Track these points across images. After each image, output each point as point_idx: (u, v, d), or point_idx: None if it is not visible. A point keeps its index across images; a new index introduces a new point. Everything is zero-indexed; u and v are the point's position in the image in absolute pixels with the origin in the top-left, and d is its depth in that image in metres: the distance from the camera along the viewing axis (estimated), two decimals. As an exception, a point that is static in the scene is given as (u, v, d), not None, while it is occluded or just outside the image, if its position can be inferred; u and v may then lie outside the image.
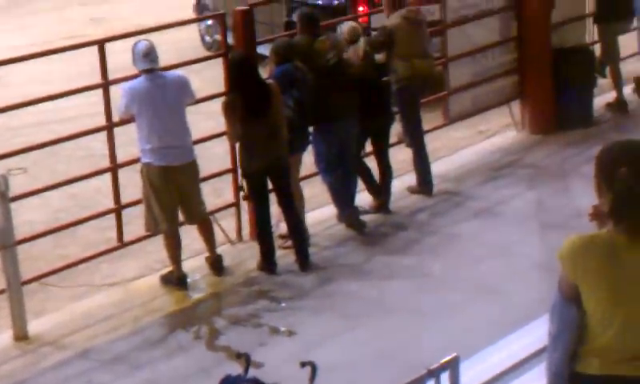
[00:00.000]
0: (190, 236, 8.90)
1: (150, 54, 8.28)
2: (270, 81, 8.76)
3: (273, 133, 8.50)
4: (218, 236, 9.01)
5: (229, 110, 8.47)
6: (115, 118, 8.64)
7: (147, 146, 8.27)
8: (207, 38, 16.22)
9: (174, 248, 8.54)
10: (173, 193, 8.38)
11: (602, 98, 12.23)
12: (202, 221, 8.72)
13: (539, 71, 11.52)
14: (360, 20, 11.71)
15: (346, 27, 9.66)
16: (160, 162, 8.28)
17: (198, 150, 8.69)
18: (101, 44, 8.66)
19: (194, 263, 8.90)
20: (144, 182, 8.41)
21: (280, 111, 8.58)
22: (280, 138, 8.58)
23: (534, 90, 11.58)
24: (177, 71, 8.75)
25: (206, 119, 10.29)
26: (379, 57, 9.85)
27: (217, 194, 9.90)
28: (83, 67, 11.98)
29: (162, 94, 8.28)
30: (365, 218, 9.44)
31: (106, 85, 8.70)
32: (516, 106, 11.77)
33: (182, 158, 8.37)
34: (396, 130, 10.10)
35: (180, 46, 14.70)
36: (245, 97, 8.41)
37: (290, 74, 8.87)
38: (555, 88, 11.53)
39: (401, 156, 10.25)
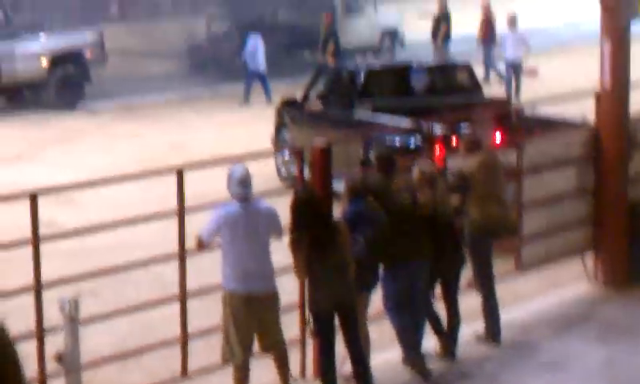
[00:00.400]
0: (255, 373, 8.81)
1: (245, 181, 8.39)
2: (338, 219, 8.76)
3: (340, 271, 8.46)
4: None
5: (295, 248, 8.47)
6: (189, 245, 8.68)
7: (232, 273, 8.31)
8: (283, 171, 16.34)
9: (243, 382, 8.48)
10: (252, 323, 8.36)
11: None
12: (279, 351, 8.66)
13: (615, 223, 11.39)
14: (436, 162, 11.74)
15: (420, 169, 9.67)
16: (244, 290, 8.30)
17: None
18: (179, 171, 8.75)
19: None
20: (225, 309, 8.40)
21: (347, 250, 8.54)
22: (347, 277, 8.53)
23: (608, 243, 11.43)
24: (268, 203, 8.81)
25: (275, 251, 10.28)
26: (454, 200, 9.83)
27: (283, 328, 9.83)
28: (159, 192, 12.09)
29: (254, 222, 8.36)
30: (431, 364, 9.30)
31: (181, 212, 8.77)
32: (589, 257, 11.63)
33: (265, 287, 8.40)
34: (467, 274, 10.01)
35: (256, 176, 14.79)
36: (311, 235, 8.40)
37: (362, 212, 8.88)
38: (630, 242, 11.38)
39: (470, 301, 10.13)
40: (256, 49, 24.53)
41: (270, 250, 8.50)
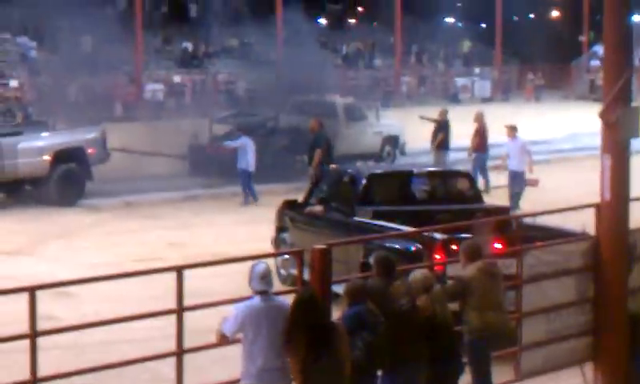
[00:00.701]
0: None
1: (266, 277, 8.55)
2: (337, 321, 8.77)
3: (336, 374, 8.43)
4: None
5: (292, 348, 8.46)
6: (186, 345, 8.67)
7: (252, 368, 8.41)
8: (282, 272, 16.33)
9: None
10: None
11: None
12: None
13: (614, 334, 11.35)
14: (436, 267, 11.76)
15: (419, 275, 9.69)
16: None
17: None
18: (179, 270, 8.78)
19: None
20: None
21: (344, 353, 8.53)
22: (343, 380, 8.50)
23: (608, 353, 11.37)
24: (286, 298, 8.88)
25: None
26: (453, 306, 9.82)
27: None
28: (157, 290, 12.06)
29: (275, 317, 8.48)
30: None
31: (180, 311, 8.77)
32: (589, 367, 11.57)
33: (283, 381, 8.48)
34: (465, 380, 9.94)
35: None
36: (308, 335, 8.40)
37: (360, 316, 8.87)
38: (630, 353, 11.33)
39: (469, 409, 10.05)
40: (246, 147, 24.70)
41: None
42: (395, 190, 15.87)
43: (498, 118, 33.72)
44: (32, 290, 7.99)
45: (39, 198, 23.73)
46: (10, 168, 23.19)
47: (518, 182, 22.62)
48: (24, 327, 8.10)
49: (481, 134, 25.90)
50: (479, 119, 26.11)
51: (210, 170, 27.34)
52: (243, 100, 43.82)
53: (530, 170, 22.50)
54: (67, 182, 23.91)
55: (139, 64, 43.71)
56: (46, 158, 23.78)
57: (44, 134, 24.66)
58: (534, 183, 24.18)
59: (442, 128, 26.67)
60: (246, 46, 51.56)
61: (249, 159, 24.70)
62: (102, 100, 37.40)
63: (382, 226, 14.17)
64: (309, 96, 31.11)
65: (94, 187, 24.77)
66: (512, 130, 23.04)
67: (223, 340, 8.61)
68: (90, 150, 24.61)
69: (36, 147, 23.83)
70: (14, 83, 40.29)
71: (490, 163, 25.86)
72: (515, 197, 22.22)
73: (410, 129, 31.54)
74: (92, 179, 24.52)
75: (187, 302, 8.94)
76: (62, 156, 23.99)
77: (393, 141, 31.40)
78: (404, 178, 16.10)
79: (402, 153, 31.34)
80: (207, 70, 47.50)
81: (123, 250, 18.91)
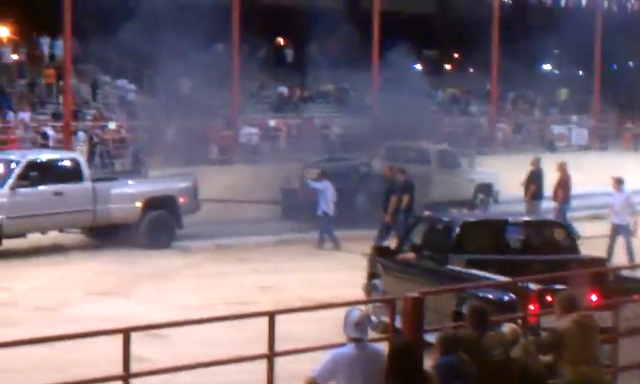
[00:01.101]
0: None
1: (361, 324, 8.52)
2: (430, 370, 8.68)
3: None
4: None
5: None
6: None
7: None
8: (374, 318, 16.23)
9: None
10: None
11: None
12: None
13: None
14: (530, 319, 11.59)
15: (507, 328, 9.59)
16: None
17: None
18: (271, 315, 8.79)
19: None
20: None
21: None
22: None
23: None
24: (382, 346, 8.85)
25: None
26: (547, 358, 9.66)
27: None
28: (249, 334, 12.08)
29: (370, 365, 8.42)
30: None
31: (271, 356, 8.77)
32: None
33: None
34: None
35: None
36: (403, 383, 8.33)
37: (453, 366, 8.78)
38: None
39: None
40: (326, 191, 24.76)
41: None
42: (489, 239, 15.72)
43: (595, 166, 33.30)
44: (126, 332, 8.05)
45: (131, 241, 24.05)
46: (103, 213, 23.63)
47: (624, 235, 22.19)
48: (117, 368, 8.16)
49: (563, 185, 25.55)
50: (562, 169, 25.81)
51: (301, 215, 27.41)
52: (337, 145, 43.98)
53: (634, 223, 22.13)
54: (157, 228, 24.22)
55: (235, 107, 44.17)
56: (138, 204, 24.15)
57: (137, 182, 25.05)
58: (633, 234, 23.73)
59: (534, 177, 26.37)
60: (342, 92, 51.83)
61: (329, 203, 24.71)
62: (199, 143, 37.91)
63: (475, 274, 14.03)
64: (402, 142, 31.05)
65: (188, 230, 24.99)
66: (618, 182, 22.62)
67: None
68: (181, 199, 24.93)
69: (129, 194, 24.22)
70: (112, 126, 41.00)
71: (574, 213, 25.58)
72: (629, 250, 21.84)
73: (506, 176, 31.24)
74: (182, 228, 24.81)
75: (279, 347, 8.93)
76: (153, 203, 24.36)
77: (486, 188, 31.17)
78: (498, 226, 15.95)
79: (496, 201, 31.08)
80: (302, 115, 47.77)
81: (215, 292, 19.01)
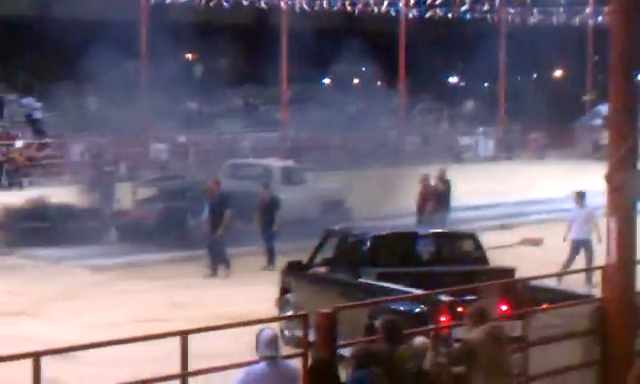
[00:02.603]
0: None
1: (273, 343, 8.59)
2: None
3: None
4: None
5: None
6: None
7: None
8: (287, 333, 16.26)
9: None
10: None
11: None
12: None
13: (621, 398, 11.27)
14: (441, 330, 11.70)
15: (418, 343, 9.69)
16: None
17: None
18: (183, 335, 8.76)
19: None
20: None
21: None
22: None
23: (615, 418, 11.30)
24: (294, 362, 8.89)
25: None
26: (459, 369, 9.76)
27: None
28: (161, 351, 12.00)
29: (283, 382, 8.51)
30: None
31: (184, 375, 8.74)
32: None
33: None
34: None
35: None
36: None
37: (366, 380, 8.83)
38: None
39: None
40: None
41: None
42: (400, 252, 15.85)
43: (502, 176, 33.78)
44: (36, 356, 7.95)
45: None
46: None
47: (586, 250, 21.15)
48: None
49: (427, 197, 25.55)
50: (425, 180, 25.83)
51: (136, 236, 26.33)
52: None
53: (598, 240, 19.57)
54: None
55: (145, 124, 44.00)
56: None
57: None
58: (537, 242, 24.02)
59: (429, 192, 26.13)
60: (251, 107, 51.90)
61: None
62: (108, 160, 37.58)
63: (386, 287, 14.13)
64: (246, 159, 30.85)
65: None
66: (580, 196, 21.75)
67: None
68: None
69: None
70: (19, 144, 40.55)
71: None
72: (589, 264, 20.28)
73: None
74: None
75: (193, 364, 8.91)
76: None
77: (334, 205, 28.72)
78: (409, 239, 16.08)
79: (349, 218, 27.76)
80: (212, 130, 47.73)
81: (126, 310, 18.84)
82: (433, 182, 25.87)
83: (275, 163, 30.39)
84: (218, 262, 22.95)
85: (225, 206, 23.00)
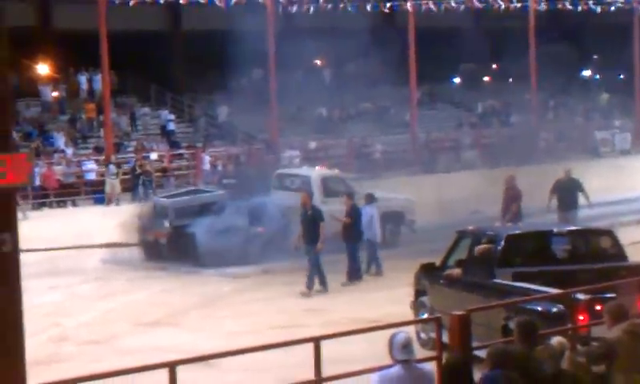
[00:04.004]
0: None
1: (407, 346, 8.54)
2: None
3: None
4: None
5: None
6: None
7: None
8: (423, 335, 16.16)
9: None
10: None
11: None
12: None
13: None
14: (580, 329, 11.46)
15: (555, 341, 9.50)
16: None
17: None
18: (316, 341, 8.76)
19: None
20: None
21: None
22: None
23: None
24: (429, 365, 8.85)
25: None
26: (599, 369, 9.53)
27: None
28: (298, 357, 12.05)
29: None
30: None
31: (319, 381, 8.75)
32: None
33: None
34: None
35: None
36: None
37: (498, 381, 8.70)
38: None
39: None
40: (372, 217, 23.56)
41: None
42: (535, 251, 15.58)
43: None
44: (172, 366, 8.05)
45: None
46: None
47: None
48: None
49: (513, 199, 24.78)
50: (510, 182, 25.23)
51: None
52: (381, 162, 43.95)
53: None
54: None
55: (275, 131, 44.42)
56: None
57: None
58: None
59: (562, 188, 25.67)
60: (380, 109, 51.86)
61: (374, 229, 23.56)
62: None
63: (522, 287, 13.92)
64: (290, 170, 29.89)
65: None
66: None
67: None
68: None
69: None
70: (154, 156, 41.43)
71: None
72: None
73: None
74: None
75: (327, 369, 8.91)
76: None
77: (395, 218, 27.29)
78: (543, 237, 15.80)
79: (413, 231, 27.49)
80: (343, 135, 47.83)
81: (262, 318, 18.99)
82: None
83: (314, 172, 28.67)
84: (314, 275, 22.02)
85: (318, 219, 22.13)
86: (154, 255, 25.90)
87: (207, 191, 28.16)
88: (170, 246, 25.50)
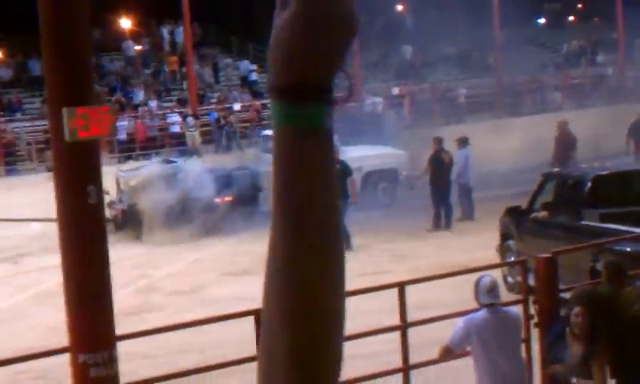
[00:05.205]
0: None
1: (493, 290, 8.50)
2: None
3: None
4: None
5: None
6: (412, 360, 8.62)
7: (490, 381, 8.31)
8: (510, 279, 16.05)
9: None
10: None
11: None
12: None
13: None
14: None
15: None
16: None
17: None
18: (400, 286, 8.74)
19: None
20: None
21: None
22: None
23: None
24: (515, 308, 8.81)
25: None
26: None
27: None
28: (385, 304, 12.05)
29: (505, 328, 8.41)
30: None
31: (404, 327, 8.72)
32: None
33: None
34: None
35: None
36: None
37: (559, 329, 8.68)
38: None
39: None
40: (467, 159, 23.49)
41: (522, 355, 8.51)
42: (623, 192, 15.34)
43: None
44: (257, 314, 8.09)
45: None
46: None
47: None
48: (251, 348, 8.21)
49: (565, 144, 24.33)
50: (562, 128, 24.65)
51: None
52: (465, 108, 43.55)
53: None
54: None
55: (358, 78, 44.19)
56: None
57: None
58: None
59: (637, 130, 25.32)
60: (465, 53, 51.30)
61: (468, 173, 23.48)
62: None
63: (610, 228, 13.72)
64: None
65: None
66: None
67: (447, 354, 8.51)
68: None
69: None
70: (237, 107, 41.56)
71: None
72: None
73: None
74: None
75: (413, 315, 8.90)
76: None
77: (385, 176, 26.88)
78: (632, 178, 15.54)
79: (412, 187, 26.03)
80: (426, 80, 47.43)
81: (349, 264, 19.00)
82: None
83: None
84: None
85: (347, 173, 21.12)
86: None
87: (172, 161, 26.71)
88: (123, 223, 24.49)
